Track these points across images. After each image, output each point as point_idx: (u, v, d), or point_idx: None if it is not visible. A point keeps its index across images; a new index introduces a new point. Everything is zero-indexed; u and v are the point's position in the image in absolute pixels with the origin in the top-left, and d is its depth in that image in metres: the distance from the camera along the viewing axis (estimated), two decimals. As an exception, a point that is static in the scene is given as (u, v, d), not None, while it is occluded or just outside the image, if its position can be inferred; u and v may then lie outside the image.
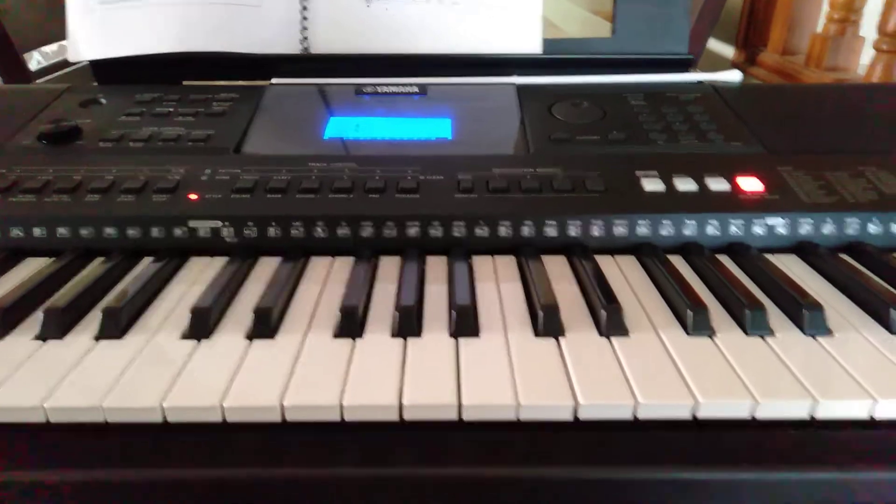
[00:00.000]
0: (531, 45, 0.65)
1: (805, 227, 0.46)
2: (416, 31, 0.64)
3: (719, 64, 0.70)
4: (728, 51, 1.28)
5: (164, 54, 0.63)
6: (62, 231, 0.45)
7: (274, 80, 0.63)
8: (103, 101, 0.58)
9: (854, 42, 1.02)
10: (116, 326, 0.36)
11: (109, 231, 0.45)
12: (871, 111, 0.59)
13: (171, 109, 0.57)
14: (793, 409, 0.31)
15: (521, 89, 0.61)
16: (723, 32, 1.28)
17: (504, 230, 0.46)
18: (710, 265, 0.43)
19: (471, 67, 0.64)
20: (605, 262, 0.44)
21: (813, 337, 0.36)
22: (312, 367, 0.34)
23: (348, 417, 0.31)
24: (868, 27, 1.00)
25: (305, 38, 0.64)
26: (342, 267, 0.44)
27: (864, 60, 1.02)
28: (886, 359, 0.34)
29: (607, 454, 0.31)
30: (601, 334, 0.36)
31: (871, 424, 0.32)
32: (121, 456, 0.30)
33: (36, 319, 0.37)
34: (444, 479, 0.30)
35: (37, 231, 0.45)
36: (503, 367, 0.33)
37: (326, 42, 0.64)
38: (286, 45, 0.64)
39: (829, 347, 0.35)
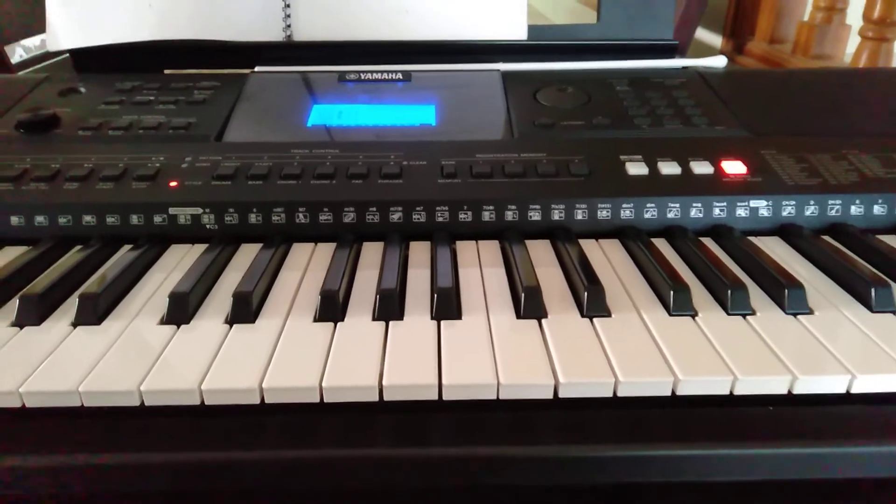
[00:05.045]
0: (516, 31, 0.65)
1: (788, 209, 0.46)
2: (400, 17, 0.63)
3: (708, 54, 0.70)
4: (716, 40, 1.28)
5: (145, 43, 0.62)
6: (40, 219, 0.44)
7: (257, 68, 0.62)
8: (82, 89, 0.58)
9: (840, 30, 1.02)
10: (94, 312, 0.36)
11: (88, 218, 0.44)
12: (853, 95, 0.59)
13: (152, 98, 0.56)
14: (772, 385, 0.31)
15: (506, 76, 0.61)
16: (711, 22, 1.28)
17: (487, 215, 0.45)
18: (694, 247, 0.43)
19: (455, 54, 0.64)
20: (589, 246, 0.44)
21: (794, 316, 0.36)
22: (292, 349, 0.33)
23: (328, 399, 0.31)
24: (854, 15, 1.00)
25: (288, 26, 0.63)
26: (324, 253, 0.44)
27: (849, 49, 1.02)
28: (866, 336, 0.35)
29: (588, 433, 0.31)
30: (583, 315, 0.36)
31: (849, 399, 0.32)
32: (98, 441, 0.30)
33: (12, 307, 0.37)
34: (424, 460, 0.30)
35: (14, 220, 0.44)
36: (484, 347, 0.33)
37: (310, 29, 0.63)
38: (269, 32, 0.63)
39: (809, 325, 0.35)
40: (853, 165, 0.48)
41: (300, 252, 0.44)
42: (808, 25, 1.03)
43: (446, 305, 0.36)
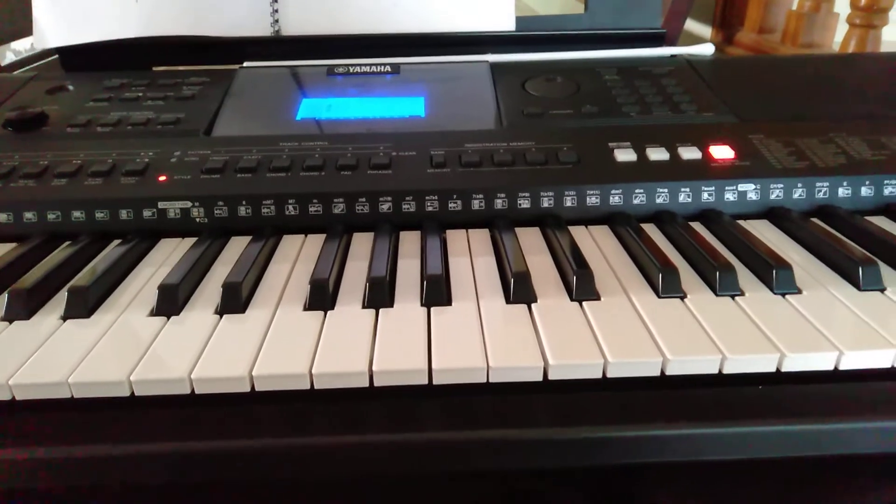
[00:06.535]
0: (504, 22, 0.65)
1: (776, 192, 0.46)
2: (388, 10, 0.63)
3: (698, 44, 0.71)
4: (706, 31, 1.29)
5: (133, 40, 0.62)
6: (29, 216, 0.44)
7: (246, 64, 0.62)
8: (70, 87, 0.57)
9: (828, 18, 1.02)
10: (84, 306, 0.36)
11: (77, 214, 0.44)
12: (839, 80, 0.60)
13: (140, 94, 0.56)
14: (761, 363, 0.32)
15: (495, 67, 0.61)
16: (700, 13, 1.28)
17: (477, 203, 0.45)
18: (683, 231, 0.43)
19: (444, 46, 0.64)
20: (579, 233, 0.45)
21: (782, 295, 0.37)
22: (282, 338, 0.33)
23: (318, 386, 0.31)
24: (841, 3, 1.00)
25: (276, 21, 0.63)
26: (314, 244, 0.44)
27: (838, 37, 1.03)
28: (853, 313, 0.35)
29: (579, 414, 0.31)
30: (572, 299, 0.36)
31: (838, 377, 0.32)
32: (88, 432, 0.30)
33: (1, 302, 0.37)
34: (416, 445, 0.30)
35: (3, 217, 0.44)
36: (474, 332, 0.33)
37: (298, 24, 0.63)
38: (257, 27, 0.63)
39: (797, 304, 0.36)
40: (840, 148, 0.49)
41: (290, 244, 0.44)
42: (797, 14, 1.03)
43: (436, 291, 0.36)
